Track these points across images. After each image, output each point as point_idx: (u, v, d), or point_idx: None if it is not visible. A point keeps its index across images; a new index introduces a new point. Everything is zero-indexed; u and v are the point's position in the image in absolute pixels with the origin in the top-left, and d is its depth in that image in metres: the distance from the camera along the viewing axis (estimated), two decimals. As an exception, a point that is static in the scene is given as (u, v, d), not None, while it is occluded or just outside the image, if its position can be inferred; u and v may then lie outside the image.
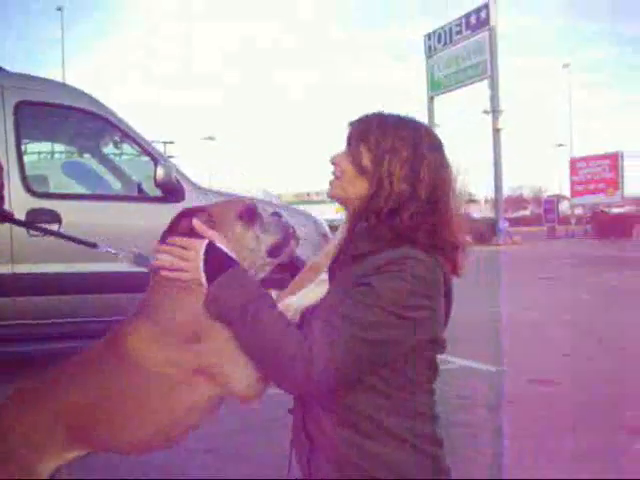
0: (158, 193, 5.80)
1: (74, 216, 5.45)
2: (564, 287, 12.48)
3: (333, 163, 1.85)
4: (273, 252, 1.87)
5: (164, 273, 1.77)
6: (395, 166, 1.73)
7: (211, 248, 1.75)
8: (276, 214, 1.94)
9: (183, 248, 1.76)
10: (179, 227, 1.81)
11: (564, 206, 40.21)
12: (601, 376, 5.46)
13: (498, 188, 32.34)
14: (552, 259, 19.70)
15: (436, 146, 1.80)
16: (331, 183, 1.85)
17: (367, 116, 1.84)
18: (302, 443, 1.81)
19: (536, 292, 11.58)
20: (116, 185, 6.72)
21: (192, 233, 1.79)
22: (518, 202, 75.39)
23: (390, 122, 1.80)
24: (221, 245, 1.77)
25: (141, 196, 6.06)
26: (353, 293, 1.65)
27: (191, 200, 5.87)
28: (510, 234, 30.51)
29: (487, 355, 6.22)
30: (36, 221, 5.26)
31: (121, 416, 1.69)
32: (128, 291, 5.45)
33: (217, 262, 1.73)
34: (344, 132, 1.86)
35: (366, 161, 1.76)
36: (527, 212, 67.85)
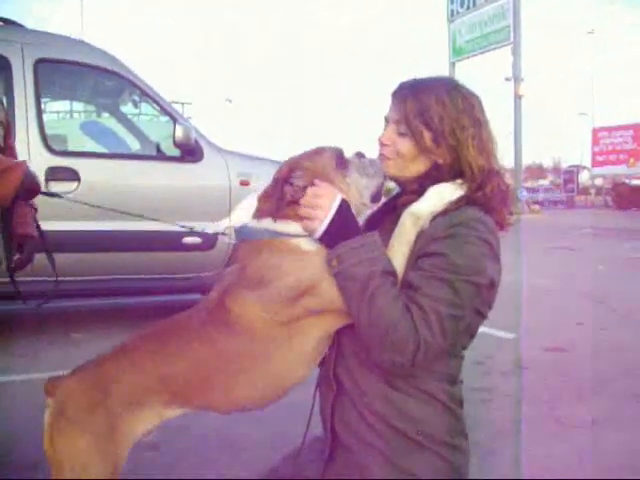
0: (176, 153, 5.81)
1: (93, 174, 5.48)
2: (581, 257, 12.41)
3: (382, 143, 1.83)
4: (376, 196, 1.83)
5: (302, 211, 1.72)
6: (466, 142, 1.74)
7: (344, 205, 1.71)
8: (360, 154, 1.86)
9: (316, 196, 1.71)
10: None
11: (584, 176, 39.82)
12: (614, 345, 5.45)
13: (517, 157, 32.01)
14: (570, 229, 19.58)
15: (482, 106, 1.82)
16: (383, 162, 1.83)
17: (418, 89, 1.80)
18: (329, 387, 1.83)
19: (553, 261, 11.54)
20: (134, 145, 6.73)
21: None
22: (537, 171, 74.73)
23: (444, 93, 1.77)
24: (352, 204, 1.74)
25: (160, 155, 6.06)
26: (430, 266, 1.64)
27: (210, 160, 5.88)
28: (528, 203, 30.31)
29: (503, 322, 6.21)
30: (55, 179, 5.30)
31: (227, 379, 1.71)
32: (144, 249, 5.54)
33: (344, 221, 1.69)
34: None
35: (428, 140, 1.76)
36: (546, 182, 67.27)
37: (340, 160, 1.79)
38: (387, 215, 1.90)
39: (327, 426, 1.84)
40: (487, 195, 1.74)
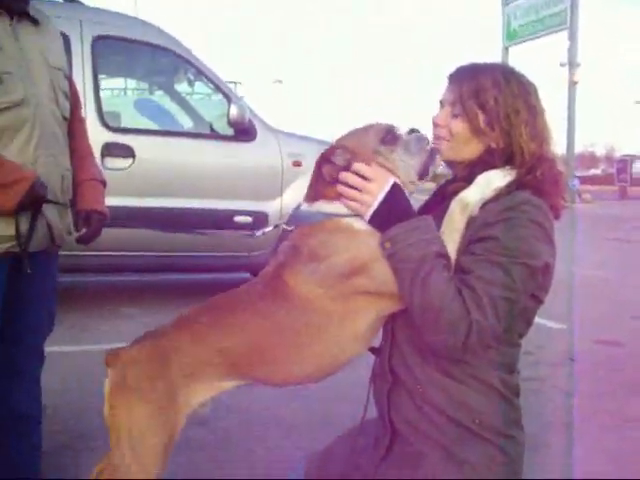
0: (230, 132, 5.83)
1: (147, 152, 5.55)
2: (635, 249, 12.13)
3: (436, 124, 1.82)
4: (423, 173, 1.79)
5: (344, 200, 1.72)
6: (520, 126, 1.73)
7: (396, 188, 1.69)
8: (413, 130, 1.80)
9: (365, 179, 1.69)
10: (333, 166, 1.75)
11: (638, 166, 38.78)
12: (670, 341, 5.32)
13: (570, 145, 31.32)
14: (623, 220, 19.15)
15: (538, 94, 1.81)
16: (437, 143, 1.81)
17: (475, 71, 1.80)
18: (384, 379, 1.83)
19: (606, 253, 11.30)
20: (188, 123, 6.78)
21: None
22: (590, 160, 73.23)
23: (501, 77, 1.76)
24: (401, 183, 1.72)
25: (214, 134, 6.09)
26: (482, 250, 1.63)
27: (263, 140, 5.89)
28: (580, 193, 29.68)
29: (555, 312, 6.12)
30: (111, 155, 5.37)
31: (283, 353, 1.72)
32: (196, 226, 5.59)
33: (395, 205, 1.68)
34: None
35: (482, 122, 1.75)
36: (598, 171, 65.87)
37: (388, 136, 1.75)
38: (437, 204, 1.87)
39: (384, 417, 1.83)
40: (538, 178, 1.72)
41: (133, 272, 6.67)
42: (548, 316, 5.92)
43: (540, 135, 1.77)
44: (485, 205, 1.69)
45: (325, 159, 1.75)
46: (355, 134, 1.80)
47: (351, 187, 1.70)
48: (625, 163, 37.35)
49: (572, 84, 30.28)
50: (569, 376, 4.35)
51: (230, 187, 5.71)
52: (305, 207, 1.80)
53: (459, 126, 1.77)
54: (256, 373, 1.76)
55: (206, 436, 3.19)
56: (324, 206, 1.75)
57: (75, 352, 4.50)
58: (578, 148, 48.25)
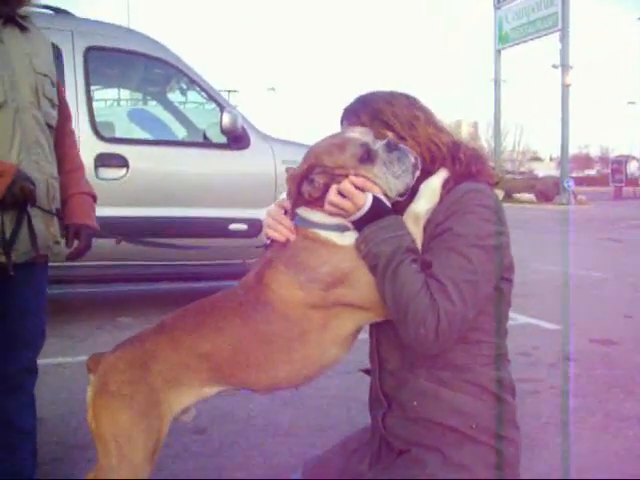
0: (223, 140, 5.85)
1: (141, 161, 5.56)
2: (630, 249, 12.15)
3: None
4: (404, 193, 1.78)
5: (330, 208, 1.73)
6: (424, 127, 1.83)
7: (376, 202, 1.71)
8: (391, 146, 1.76)
9: (348, 194, 1.70)
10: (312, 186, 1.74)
11: (632, 167, 38.85)
12: (663, 339, 5.34)
13: (564, 146, 31.45)
14: (618, 221, 19.19)
15: (422, 103, 1.93)
16: None
17: (363, 102, 1.90)
18: (380, 404, 1.87)
19: (601, 253, 11.32)
20: (181, 132, 6.80)
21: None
22: (584, 161, 73.37)
23: (388, 96, 1.88)
24: (383, 199, 1.74)
25: (207, 142, 6.10)
26: (439, 243, 1.69)
27: (256, 148, 5.91)
28: (575, 194, 29.73)
29: (549, 313, 6.16)
30: (104, 165, 5.38)
31: (265, 358, 1.73)
32: (190, 235, 5.59)
33: (377, 215, 1.70)
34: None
35: (391, 137, 1.79)
36: (593, 172, 65.99)
37: (366, 155, 1.73)
38: None
39: (382, 439, 1.87)
40: (464, 162, 1.80)
41: (128, 282, 6.67)
42: (544, 317, 5.97)
43: (443, 127, 1.88)
44: (433, 210, 1.75)
45: (302, 177, 1.75)
46: (331, 151, 1.76)
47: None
48: (620, 164, 37.46)
49: (565, 86, 30.40)
50: (565, 376, 4.36)
51: (224, 195, 5.72)
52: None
53: None
54: (238, 378, 1.77)
55: (204, 444, 3.18)
56: (305, 213, 1.78)
57: (72, 363, 4.49)
58: (572, 149, 48.36)
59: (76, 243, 2.44)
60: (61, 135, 2.47)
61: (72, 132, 2.60)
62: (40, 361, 2.49)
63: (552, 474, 2.92)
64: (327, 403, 3.69)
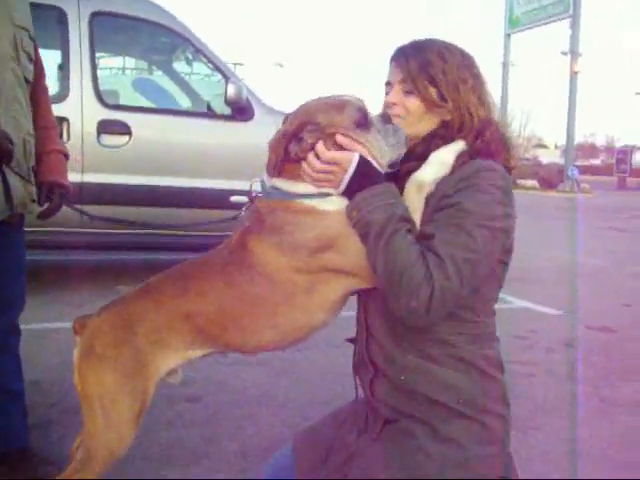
0: (227, 112, 5.80)
1: (144, 129, 5.52)
2: (632, 239, 12.16)
3: (389, 105, 1.80)
4: (394, 165, 1.76)
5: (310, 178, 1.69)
6: (468, 94, 1.76)
7: (362, 162, 1.67)
8: (385, 117, 1.75)
9: (333, 163, 1.67)
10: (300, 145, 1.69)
11: (638, 157, 38.72)
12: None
13: (570, 134, 31.32)
14: (621, 210, 19.18)
15: (478, 66, 1.84)
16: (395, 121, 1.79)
17: (418, 48, 1.80)
18: (366, 369, 1.84)
19: (603, 242, 11.32)
20: (186, 102, 6.75)
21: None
22: (589, 150, 73.17)
23: (444, 50, 1.78)
24: (371, 159, 1.70)
25: (211, 113, 6.06)
26: (444, 217, 1.64)
27: (260, 120, 5.86)
28: (578, 182, 29.67)
29: (549, 298, 6.16)
30: (107, 132, 5.34)
31: (250, 321, 1.72)
32: (191, 206, 5.56)
33: (367, 177, 1.66)
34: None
35: (434, 95, 1.75)
36: (598, 161, 65.78)
37: (364, 120, 1.71)
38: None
39: (370, 404, 1.85)
40: (486, 140, 1.75)
41: (128, 250, 6.66)
42: (543, 302, 5.97)
43: (487, 101, 1.81)
44: (441, 179, 1.69)
45: (293, 134, 1.69)
46: (328, 110, 1.71)
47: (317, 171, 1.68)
48: (625, 153, 37.35)
49: (573, 73, 30.21)
50: (561, 361, 4.37)
51: (227, 166, 5.69)
52: (266, 180, 1.77)
53: (413, 102, 1.77)
54: (223, 340, 1.75)
55: (197, 412, 3.19)
56: (285, 184, 1.72)
57: (68, 329, 4.44)
58: (578, 138, 48.21)
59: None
60: (36, 91, 2.42)
61: (46, 88, 2.54)
62: (37, 326, 2.48)
63: (544, 456, 2.92)
64: (320, 376, 3.70)
